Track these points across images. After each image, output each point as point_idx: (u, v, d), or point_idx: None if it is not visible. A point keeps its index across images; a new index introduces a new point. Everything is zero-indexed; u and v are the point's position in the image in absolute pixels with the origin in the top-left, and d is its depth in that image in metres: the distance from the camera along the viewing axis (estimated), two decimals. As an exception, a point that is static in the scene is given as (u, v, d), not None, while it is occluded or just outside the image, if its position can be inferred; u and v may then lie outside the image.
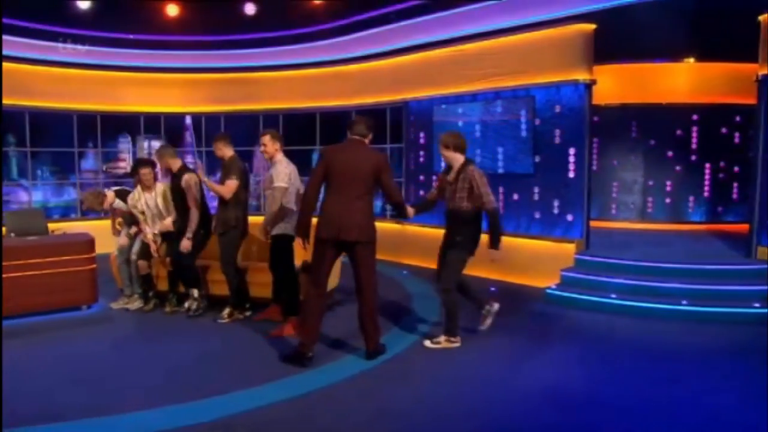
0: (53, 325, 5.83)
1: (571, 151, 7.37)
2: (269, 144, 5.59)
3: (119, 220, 6.69)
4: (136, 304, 6.38)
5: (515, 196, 7.95)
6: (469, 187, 4.92)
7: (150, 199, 6.18)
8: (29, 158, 10.20)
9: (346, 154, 4.61)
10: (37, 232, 6.56)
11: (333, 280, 5.90)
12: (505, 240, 7.80)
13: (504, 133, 8.01)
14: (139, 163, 6.45)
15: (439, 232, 8.54)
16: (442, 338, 5.11)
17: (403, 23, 9.18)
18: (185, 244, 5.79)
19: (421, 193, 9.09)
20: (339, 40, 10.23)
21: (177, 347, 5.20)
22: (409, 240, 9.30)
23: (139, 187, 6.23)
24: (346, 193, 4.51)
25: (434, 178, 8.87)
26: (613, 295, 6.37)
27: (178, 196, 5.98)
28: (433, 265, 8.45)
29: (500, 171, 8.06)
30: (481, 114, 8.27)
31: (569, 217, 7.46)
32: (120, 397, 4.11)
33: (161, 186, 6.22)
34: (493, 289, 7.42)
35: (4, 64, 9.38)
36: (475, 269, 8.05)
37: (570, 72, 7.31)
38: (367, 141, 4.72)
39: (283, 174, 5.48)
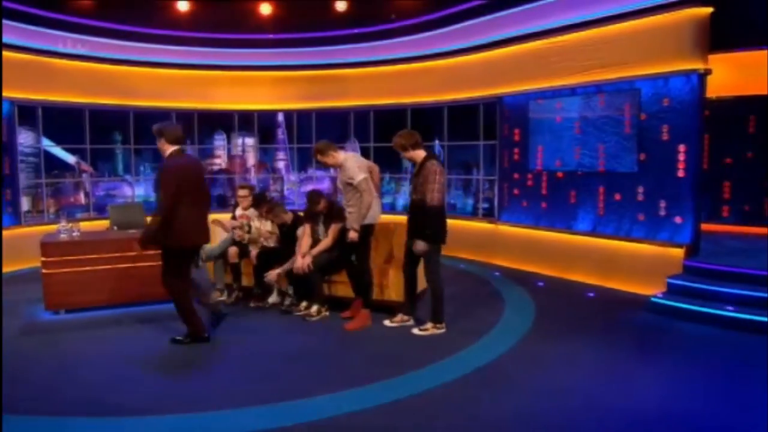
0: (145, 317, 6.02)
1: (681, 148, 6.83)
2: (329, 157, 5.61)
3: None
4: (217, 294, 6.54)
5: (617, 197, 7.49)
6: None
7: (266, 225, 6.59)
8: (132, 155, 10.75)
9: (189, 165, 5.01)
10: (137, 225, 6.90)
11: (422, 282, 5.83)
12: (604, 242, 7.48)
13: (605, 129, 7.56)
14: (261, 198, 6.92)
15: (534, 233, 8.42)
16: (429, 325, 5.35)
17: (495, 15, 8.86)
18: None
19: (515, 192, 8.78)
20: (429, 35, 10.05)
21: (266, 344, 5.25)
22: (501, 240, 9.05)
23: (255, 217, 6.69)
24: (197, 203, 4.97)
25: (529, 177, 8.54)
26: (730, 308, 5.82)
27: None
28: (527, 267, 8.38)
29: (601, 169, 7.62)
30: (580, 109, 7.85)
31: (677, 220, 6.92)
32: (205, 394, 4.16)
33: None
34: (591, 294, 7.04)
35: (114, 68, 9.96)
36: (573, 273, 7.75)
37: (681, 61, 6.77)
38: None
39: (355, 168, 5.49)
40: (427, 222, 5.18)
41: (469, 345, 5.08)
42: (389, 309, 5.85)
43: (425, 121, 10.77)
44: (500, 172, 9.13)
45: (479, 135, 9.58)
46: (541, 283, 7.63)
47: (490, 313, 6.10)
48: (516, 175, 8.79)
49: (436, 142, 10.99)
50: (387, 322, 5.60)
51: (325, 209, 6.02)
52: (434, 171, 5.07)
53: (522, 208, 8.71)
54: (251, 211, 6.89)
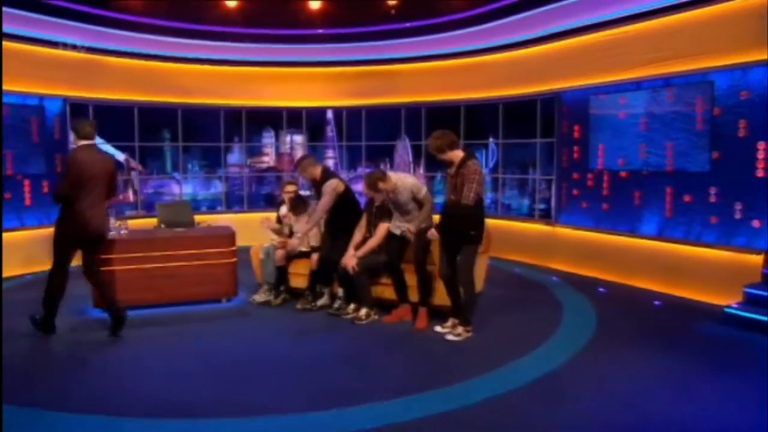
0: (193, 317, 6.10)
1: (761, 145, 6.46)
2: (388, 183, 5.69)
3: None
4: (263, 296, 6.59)
5: (686, 198, 7.16)
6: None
7: (301, 223, 6.52)
8: (181, 153, 10.97)
9: (93, 160, 5.32)
10: (185, 223, 6.99)
11: (477, 285, 5.79)
12: (671, 247, 7.18)
13: (674, 125, 7.24)
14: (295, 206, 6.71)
15: (594, 236, 8.16)
16: (461, 329, 5.36)
17: (554, 5, 8.59)
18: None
19: (575, 193, 8.52)
20: (483, 28, 9.86)
21: (313, 348, 5.22)
22: (559, 242, 8.82)
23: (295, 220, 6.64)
24: (95, 196, 5.32)
25: (589, 176, 8.28)
26: (816, 321, 5.46)
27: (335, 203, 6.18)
28: (587, 272, 8.13)
29: (669, 169, 7.30)
30: (646, 104, 7.54)
31: (755, 224, 6.55)
32: (254, 397, 4.15)
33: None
34: (657, 302, 6.75)
35: (163, 65, 10.18)
36: (636, 280, 7.46)
37: (762, 51, 6.38)
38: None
39: (415, 182, 5.89)
40: (468, 223, 5.15)
41: (524, 354, 4.93)
42: (439, 314, 5.77)
43: (479, 118, 10.63)
44: (558, 171, 8.89)
45: (536, 132, 9.36)
46: (602, 290, 7.38)
47: (546, 321, 5.91)
48: (575, 175, 8.53)
49: (491, 140, 10.83)
50: (438, 328, 5.55)
51: (385, 198, 5.88)
52: (475, 171, 5.03)
53: (581, 209, 8.45)
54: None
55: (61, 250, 5.42)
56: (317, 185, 6.27)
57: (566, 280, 7.88)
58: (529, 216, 10.02)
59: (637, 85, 7.61)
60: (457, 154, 5.20)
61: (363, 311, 5.92)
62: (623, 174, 7.82)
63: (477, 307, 5.53)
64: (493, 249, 6.34)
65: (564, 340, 5.35)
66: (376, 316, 5.95)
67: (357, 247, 5.98)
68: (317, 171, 6.28)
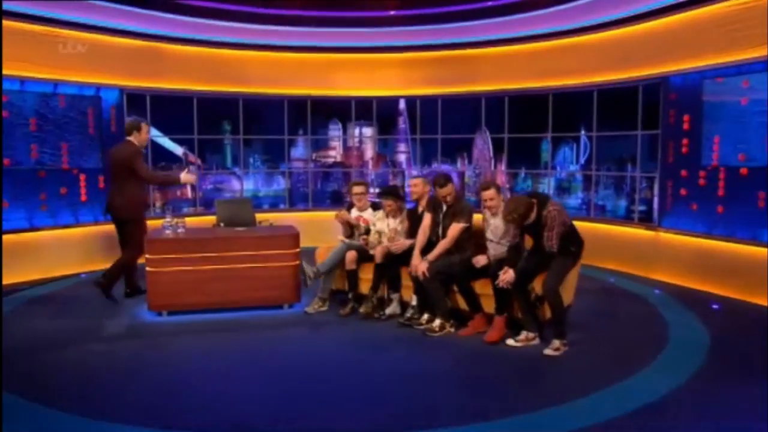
0: (253, 324, 6.15)
1: None
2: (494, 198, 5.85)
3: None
4: (316, 306, 6.57)
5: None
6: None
7: (392, 223, 6.61)
8: (242, 146, 11.17)
9: (116, 150, 7.02)
10: (245, 222, 7.08)
11: (568, 298, 5.73)
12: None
13: (807, 113, 6.76)
14: (386, 194, 6.71)
15: (706, 243, 7.75)
16: (558, 342, 5.30)
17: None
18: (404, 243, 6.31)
19: (683, 192, 8.11)
20: (576, 4, 9.54)
21: (382, 362, 5.17)
22: (663, 250, 8.44)
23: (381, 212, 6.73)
24: (118, 181, 6.89)
25: (701, 174, 7.85)
26: None
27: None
28: (697, 284, 7.76)
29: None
30: (775, 88, 7.07)
31: None
32: (319, 415, 4.12)
33: (404, 213, 6.61)
34: (715, 306, 6.36)
35: (223, 51, 10.39)
36: (759, 296, 7.00)
37: None
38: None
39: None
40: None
41: (625, 378, 4.69)
42: (512, 326, 5.70)
43: (570, 108, 10.34)
44: (663, 167, 8.49)
45: (637, 123, 8.99)
46: (715, 306, 6.98)
47: (650, 341, 5.64)
48: (684, 172, 8.10)
49: (582, 132, 10.54)
50: (510, 341, 5.50)
51: (452, 199, 5.97)
52: (554, 218, 5.29)
53: (691, 212, 8.03)
54: (369, 213, 6.85)
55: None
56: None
57: (671, 294, 7.53)
58: (626, 219, 9.69)
59: (764, 65, 7.15)
60: (531, 216, 5.37)
61: (437, 322, 5.84)
62: (744, 171, 7.36)
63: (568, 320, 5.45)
64: (585, 256, 6.12)
65: (670, 364, 5.07)
66: (452, 329, 5.86)
67: (422, 251, 5.98)
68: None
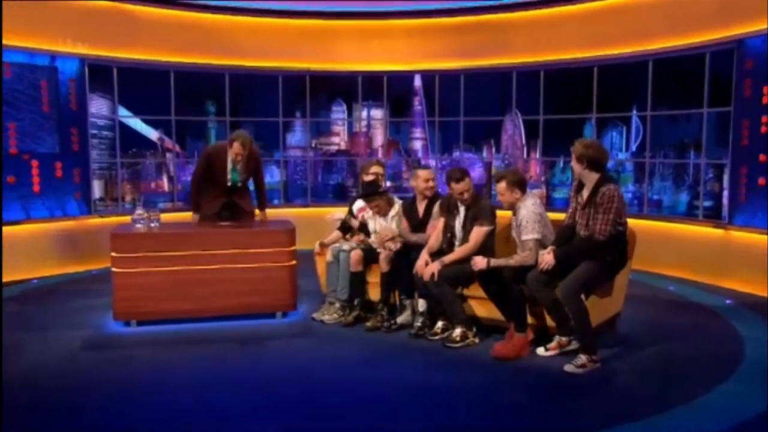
0: (236, 336, 6.06)
1: None
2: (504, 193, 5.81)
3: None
4: (333, 315, 6.52)
5: None
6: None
7: (383, 222, 6.67)
8: (228, 130, 11.02)
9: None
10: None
11: (616, 306, 5.88)
12: None
13: None
14: (369, 194, 6.74)
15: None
16: (584, 358, 5.25)
17: None
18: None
19: (761, 182, 7.91)
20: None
21: (396, 379, 5.09)
22: (735, 252, 8.33)
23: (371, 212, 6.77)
24: None
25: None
26: None
27: None
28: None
29: None
30: None
31: None
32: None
33: (397, 207, 6.67)
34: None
35: (206, 16, 10.28)
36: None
37: None
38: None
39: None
40: (579, 251, 5.40)
41: (690, 401, 4.57)
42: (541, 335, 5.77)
43: (618, 82, 10.45)
44: (735, 153, 8.35)
45: (702, 100, 8.88)
46: (802, 319, 6.84)
47: (719, 359, 5.52)
48: (762, 157, 7.94)
49: (634, 112, 10.52)
50: (541, 351, 5.56)
51: (469, 197, 5.95)
52: (612, 198, 5.22)
53: (770, 205, 7.87)
54: (370, 213, 6.84)
55: None
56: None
57: (746, 304, 7.42)
58: (689, 216, 9.72)
59: None
60: (593, 177, 5.35)
61: (458, 331, 5.82)
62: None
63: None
64: (638, 260, 6.10)
65: (746, 386, 4.92)
66: (476, 339, 5.85)
67: (431, 254, 6.03)
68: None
